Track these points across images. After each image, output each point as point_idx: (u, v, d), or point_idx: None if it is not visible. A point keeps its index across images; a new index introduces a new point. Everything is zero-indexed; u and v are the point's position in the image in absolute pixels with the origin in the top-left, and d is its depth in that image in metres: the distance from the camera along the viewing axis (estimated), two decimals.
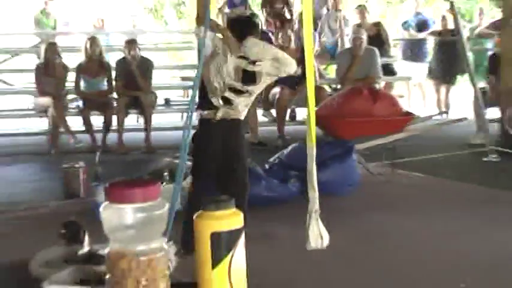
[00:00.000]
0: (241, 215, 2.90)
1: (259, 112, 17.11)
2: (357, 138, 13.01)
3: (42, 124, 17.09)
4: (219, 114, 7.72)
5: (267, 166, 11.11)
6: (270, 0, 19.85)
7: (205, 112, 7.82)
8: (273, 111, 16.95)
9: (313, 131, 7.48)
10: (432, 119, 17.88)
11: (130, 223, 2.65)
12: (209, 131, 7.87)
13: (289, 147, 11.65)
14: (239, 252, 2.82)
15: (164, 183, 9.84)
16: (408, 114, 15.89)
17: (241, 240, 2.84)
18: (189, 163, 11.28)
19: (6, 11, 26.87)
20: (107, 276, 2.73)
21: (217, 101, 7.69)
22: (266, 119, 17.43)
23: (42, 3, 22.04)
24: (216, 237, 2.78)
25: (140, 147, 15.25)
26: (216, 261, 2.78)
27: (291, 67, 8.13)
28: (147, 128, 15.62)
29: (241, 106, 7.96)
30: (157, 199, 2.73)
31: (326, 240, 7.43)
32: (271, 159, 11.53)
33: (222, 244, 2.78)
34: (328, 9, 20.18)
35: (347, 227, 8.89)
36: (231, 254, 2.78)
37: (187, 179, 11.48)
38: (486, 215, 9.83)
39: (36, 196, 11.57)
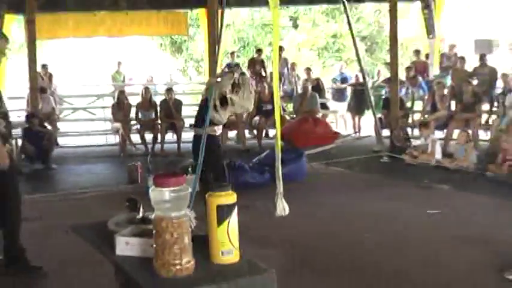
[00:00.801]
0: (235, 194, 2.99)
1: (247, 131, 17.57)
2: (305, 147, 13.43)
3: (116, 139, 17.38)
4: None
5: (251, 164, 11.64)
6: (252, 64, 20.49)
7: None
8: (255, 131, 17.33)
9: (279, 142, 8.21)
10: (350, 136, 18.48)
11: (167, 199, 2.79)
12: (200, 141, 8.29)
13: (264, 153, 12.09)
14: (233, 217, 2.95)
15: (188, 175, 10.29)
16: (336, 133, 16.65)
17: (235, 210, 2.96)
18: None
19: (92, 71, 26.89)
20: (154, 231, 2.85)
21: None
22: (251, 136, 17.79)
23: (116, 66, 22.49)
24: (219, 208, 2.91)
25: (174, 153, 15.43)
26: (219, 223, 2.91)
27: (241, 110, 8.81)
28: (178, 141, 16.08)
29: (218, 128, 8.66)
30: (183, 185, 2.86)
31: (287, 211, 8.17)
32: (254, 160, 11.99)
33: (223, 212, 2.92)
34: (287, 70, 20.70)
35: (300, 201, 9.22)
36: (228, 218, 2.92)
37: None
38: (381, 192, 10.43)
39: (112, 182, 11.95)
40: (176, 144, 16.22)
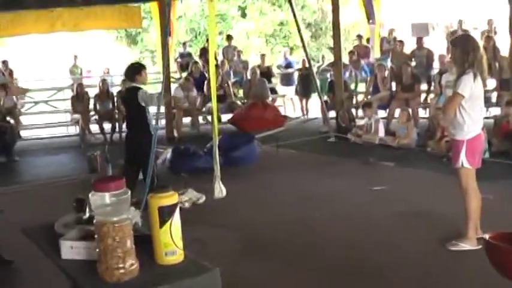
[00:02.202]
0: (176, 195, 2.88)
1: (200, 118, 17.46)
2: (256, 131, 13.29)
3: (76, 130, 17.23)
4: None
5: (205, 149, 11.23)
6: (204, 53, 20.47)
7: None
8: (209, 117, 16.82)
9: (216, 129, 8.28)
10: (299, 118, 18.55)
11: (107, 203, 2.65)
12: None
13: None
14: (176, 217, 2.82)
15: None
16: (285, 116, 16.62)
17: (177, 210, 2.84)
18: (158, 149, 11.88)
19: (51, 65, 26.62)
20: (95, 236, 2.70)
21: None
22: (204, 122, 17.57)
23: (72, 60, 22.47)
24: (161, 209, 2.78)
25: None
26: (162, 223, 2.78)
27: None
28: None
29: None
30: (124, 188, 2.72)
31: (224, 193, 8.22)
32: (207, 145, 11.23)
33: (165, 213, 2.79)
34: (236, 57, 20.85)
35: (251, 183, 9.47)
36: (171, 219, 2.80)
37: (159, 159, 12.14)
38: (329, 170, 10.45)
39: (73, 172, 11.72)
40: None
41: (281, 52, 28.21)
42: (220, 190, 8.18)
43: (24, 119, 18.24)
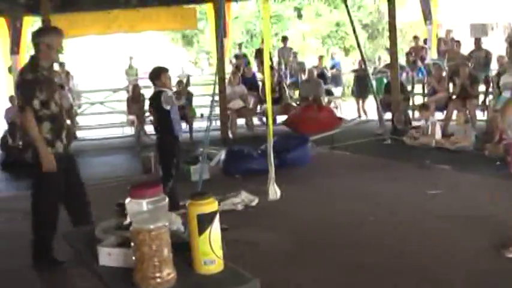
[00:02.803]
0: (216, 202, 2.77)
1: (255, 119, 17.60)
2: (311, 133, 13.17)
3: (132, 130, 17.11)
4: None
5: (259, 151, 11.13)
6: (259, 54, 20.47)
7: None
8: (264, 119, 17.07)
9: (271, 130, 8.16)
10: (354, 120, 18.24)
11: (144, 210, 2.63)
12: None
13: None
14: (215, 225, 2.71)
15: (199, 163, 10.18)
16: (340, 118, 16.32)
17: (216, 218, 2.73)
18: (212, 150, 11.93)
19: (107, 67, 26.75)
20: (132, 244, 2.62)
21: None
22: (260, 123, 17.76)
23: (128, 61, 22.73)
24: (200, 217, 2.68)
25: (186, 142, 14.42)
26: (201, 231, 2.68)
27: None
28: (190, 130, 15.86)
29: None
30: (160, 195, 2.69)
31: (278, 195, 8.11)
32: (261, 147, 11.13)
33: (204, 221, 2.68)
34: (292, 59, 20.80)
35: (306, 183, 9.37)
36: (210, 226, 2.69)
37: (213, 161, 12.21)
38: (384, 173, 10.26)
39: (127, 172, 11.71)
40: (188, 134, 15.95)
41: (337, 54, 28.17)
42: (275, 192, 8.09)
43: (80, 120, 18.38)
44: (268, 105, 7.95)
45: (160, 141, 8.31)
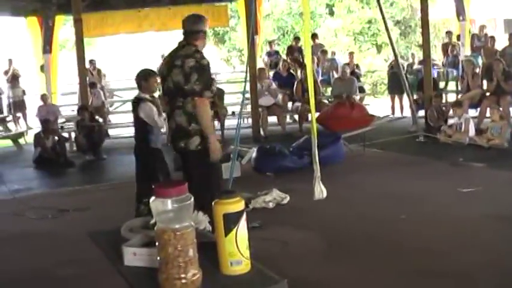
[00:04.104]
0: (243, 201, 2.72)
1: (288, 116, 17.58)
2: (343, 130, 12.99)
3: (163, 128, 17.20)
4: None
5: (291, 148, 11.29)
6: (291, 51, 20.49)
7: None
8: (296, 116, 17.23)
9: (315, 128, 8.03)
10: (388, 117, 18.29)
11: (169, 209, 2.51)
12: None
13: (303, 137, 11.64)
14: (242, 225, 2.66)
15: (230, 161, 10.59)
16: (372, 115, 16.14)
17: (243, 217, 2.67)
18: (242, 148, 11.84)
19: (138, 64, 26.76)
20: (156, 244, 2.58)
21: None
22: (291, 121, 17.78)
23: (160, 59, 22.53)
24: (226, 216, 2.63)
25: (217, 139, 15.26)
26: (227, 232, 2.63)
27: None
28: (222, 128, 15.70)
29: None
30: (186, 194, 2.58)
31: (324, 194, 8.00)
32: (293, 145, 11.63)
33: (230, 221, 2.64)
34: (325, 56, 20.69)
35: (338, 183, 8.93)
36: (236, 226, 2.63)
37: (244, 159, 12.16)
38: (417, 171, 10.19)
39: None
40: (220, 131, 15.83)
41: (369, 50, 28.19)
42: (320, 191, 7.99)
43: (112, 118, 18.45)
44: (311, 102, 7.81)
45: (135, 149, 7.85)
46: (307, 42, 8.83)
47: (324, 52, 20.78)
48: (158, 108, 7.45)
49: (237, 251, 2.64)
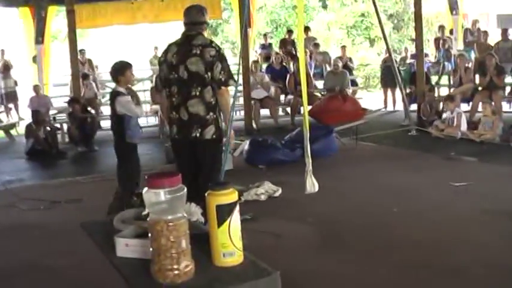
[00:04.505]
0: (236, 193, 2.70)
1: (280, 109, 17.60)
2: (335, 124, 13.05)
3: (156, 120, 17.22)
4: None
5: (283, 141, 11.30)
6: (284, 44, 20.49)
7: None
8: (288, 109, 17.26)
9: (307, 120, 8.08)
10: (381, 111, 18.43)
11: (162, 200, 2.49)
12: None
13: (295, 130, 11.77)
14: (235, 216, 2.65)
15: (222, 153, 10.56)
16: (364, 109, 16.07)
17: (236, 209, 2.67)
18: (235, 141, 11.81)
19: (131, 56, 26.83)
20: (149, 235, 2.57)
21: None
22: (283, 113, 17.83)
23: (152, 51, 22.69)
24: (219, 208, 2.62)
25: None
26: (220, 223, 2.62)
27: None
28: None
29: None
30: (179, 185, 2.55)
31: (316, 188, 8.01)
32: (285, 137, 11.64)
33: (223, 212, 2.63)
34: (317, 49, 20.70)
35: (330, 176, 8.92)
36: (229, 218, 2.62)
37: (236, 151, 12.11)
38: (409, 165, 10.21)
39: (151, 162, 11.51)
40: None
41: (362, 44, 28.18)
42: (312, 184, 8.00)
43: (104, 110, 18.41)
44: (304, 95, 7.80)
45: (114, 145, 7.82)
46: (300, 36, 8.81)
47: (317, 45, 20.74)
48: (137, 98, 7.42)
49: (230, 242, 2.63)
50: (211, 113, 5.94)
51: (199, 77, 5.91)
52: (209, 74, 5.90)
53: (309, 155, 7.62)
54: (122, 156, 7.68)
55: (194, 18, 6.16)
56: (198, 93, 5.92)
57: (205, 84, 5.93)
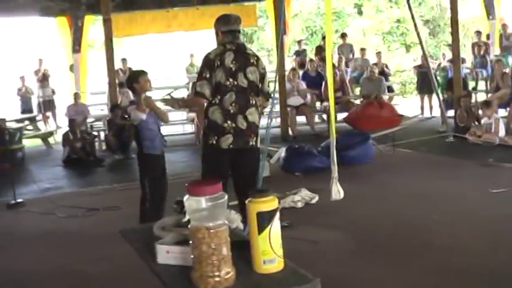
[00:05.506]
0: (276, 200, 2.70)
1: (316, 116, 17.57)
2: (372, 130, 13.11)
3: (192, 128, 17.22)
4: None
5: (319, 148, 11.23)
6: (319, 51, 20.46)
7: None
8: (324, 116, 17.23)
9: (333, 127, 8.05)
10: (417, 117, 18.27)
11: (203, 208, 2.51)
12: None
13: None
14: (276, 223, 2.65)
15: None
16: (401, 115, 16.21)
17: (277, 216, 2.66)
18: (272, 148, 11.83)
19: (166, 64, 26.96)
20: (190, 242, 2.59)
21: None
22: (320, 121, 17.74)
23: (188, 59, 22.75)
24: (260, 215, 2.62)
25: None
26: (260, 230, 2.62)
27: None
28: None
29: None
30: (219, 192, 2.57)
31: (342, 195, 8.02)
32: (322, 144, 11.47)
33: (264, 219, 2.62)
34: (352, 55, 20.64)
35: (366, 183, 9.23)
36: (269, 225, 2.62)
37: (273, 158, 12.13)
38: (447, 171, 10.12)
39: (188, 169, 11.55)
40: None
41: (398, 50, 28.00)
42: (337, 192, 7.98)
43: None
44: (331, 102, 7.79)
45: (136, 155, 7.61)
46: (328, 42, 8.82)
47: (354, 51, 20.79)
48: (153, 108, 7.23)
49: (270, 249, 2.63)
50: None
51: (255, 86, 6.01)
52: (260, 84, 6.04)
53: (335, 162, 7.60)
54: (140, 166, 7.45)
55: (237, 27, 6.19)
56: (255, 102, 6.01)
57: (258, 94, 6.05)
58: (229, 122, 5.95)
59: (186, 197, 2.58)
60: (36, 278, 6.24)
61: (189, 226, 2.61)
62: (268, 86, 6.16)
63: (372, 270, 5.79)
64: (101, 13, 14.98)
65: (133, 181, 11.09)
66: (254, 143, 6.07)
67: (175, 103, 7.28)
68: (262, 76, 6.03)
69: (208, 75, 5.95)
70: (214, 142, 6.02)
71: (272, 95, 10.06)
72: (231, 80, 5.93)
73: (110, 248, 6.36)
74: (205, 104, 6.09)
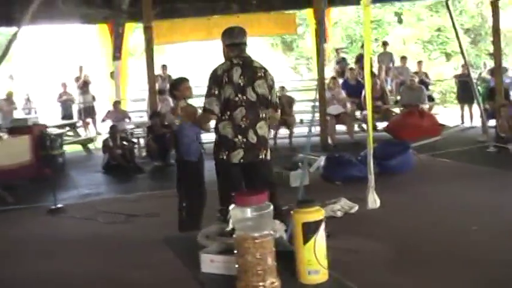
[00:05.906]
0: (322, 210, 2.72)
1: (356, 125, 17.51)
2: (412, 139, 13.02)
3: None
4: None
5: (359, 157, 10.99)
6: (360, 59, 20.40)
7: None
8: (364, 125, 17.05)
9: (371, 137, 8.04)
10: (457, 127, 18.23)
11: (248, 218, 2.53)
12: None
13: None
14: (321, 234, 2.65)
15: (299, 169, 10.42)
16: (441, 124, 16.13)
17: (322, 226, 2.66)
18: (311, 156, 11.81)
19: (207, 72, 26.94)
20: (235, 252, 2.60)
21: None
22: (359, 129, 17.67)
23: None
24: (305, 225, 2.62)
25: (287, 147, 15.19)
26: (306, 241, 2.62)
27: None
28: (290, 136, 16.02)
29: None
30: (265, 202, 2.59)
31: (378, 203, 7.98)
32: (362, 153, 10.94)
33: (309, 230, 2.62)
34: (393, 64, 20.54)
35: (407, 190, 9.25)
36: (315, 236, 2.63)
37: (312, 167, 12.11)
38: (487, 182, 10.00)
39: None
40: (288, 139, 16.15)
41: (438, 59, 27.74)
42: (374, 201, 7.95)
43: None
44: (369, 111, 7.79)
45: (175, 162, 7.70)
46: (367, 50, 8.79)
47: (394, 60, 20.71)
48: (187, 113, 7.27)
49: (315, 260, 2.63)
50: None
51: (265, 99, 5.97)
52: (269, 96, 6.00)
53: (372, 172, 7.60)
54: (178, 171, 7.54)
55: (241, 39, 6.11)
56: (264, 115, 5.97)
57: (268, 106, 6.00)
58: (240, 136, 5.91)
59: (232, 206, 2.59)
60: (76, 283, 6.30)
61: (234, 235, 2.62)
62: (276, 97, 6.10)
63: (412, 280, 5.75)
64: (142, 21, 15.06)
65: (173, 188, 11.16)
66: (264, 156, 6.02)
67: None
68: (270, 88, 6.00)
69: (217, 92, 5.88)
70: (224, 157, 5.96)
71: (314, 103, 10.08)
72: (240, 95, 5.88)
73: (150, 255, 6.39)
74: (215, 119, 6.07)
